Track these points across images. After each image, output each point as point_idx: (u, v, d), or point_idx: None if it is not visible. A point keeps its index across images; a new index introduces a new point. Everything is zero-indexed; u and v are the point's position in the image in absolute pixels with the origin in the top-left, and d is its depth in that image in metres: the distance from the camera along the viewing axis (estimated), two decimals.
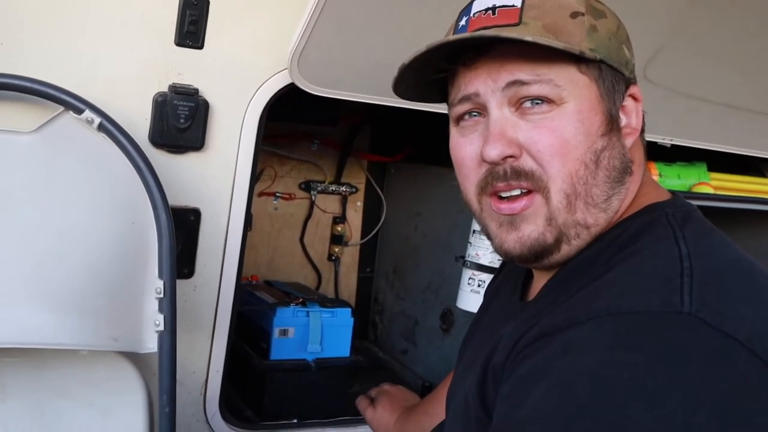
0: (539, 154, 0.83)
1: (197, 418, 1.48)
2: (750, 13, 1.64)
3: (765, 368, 0.69)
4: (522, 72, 0.82)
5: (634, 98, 0.89)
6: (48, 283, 1.13)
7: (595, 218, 0.85)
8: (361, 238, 2.41)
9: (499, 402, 0.78)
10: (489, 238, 0.90)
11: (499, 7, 0.84)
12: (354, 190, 2.38)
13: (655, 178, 2.01)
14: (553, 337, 0.74)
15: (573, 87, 0.83)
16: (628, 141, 0.88)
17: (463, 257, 1.82)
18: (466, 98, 0.86)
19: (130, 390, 1.24)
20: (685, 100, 1.72)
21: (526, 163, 0.83)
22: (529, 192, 0.84)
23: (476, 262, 1.79)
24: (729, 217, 2.38)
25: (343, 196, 2.37)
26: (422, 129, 2.19)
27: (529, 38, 0.78)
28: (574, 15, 0.83)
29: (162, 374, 1.17)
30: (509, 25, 0.82)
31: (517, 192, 0.85)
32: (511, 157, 0.83)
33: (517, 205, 0.84)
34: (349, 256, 2.43)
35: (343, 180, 2.36)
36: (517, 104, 0.83)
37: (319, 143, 2.28)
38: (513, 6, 0.83)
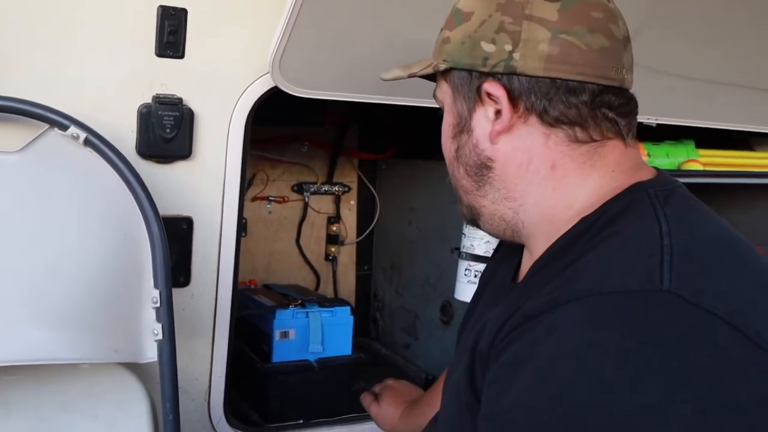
0: None
1: (203, 425, 1.49)
2: None
3: (746, 341, 0.70)
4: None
5: (489, 93, 0.88)
6: (45, 300, 1.14)
7: (479, 202, 0.94)
8: (357, 237, 2.42)
9: (486, 387, 0.79)
10: None
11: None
12: (347, 189, 2.39)
13: (644, 158, 2.02)
14: (536, 320, 0.75)
15: (443, 96, 0.95)
16: (490, 137, 0.89)
17: (458, 249, 1.83)
18: None
19: (133, 400, 1.25)
20: (666, 78, 1.73)
21: None
22: None
23: (471, 252, 1.80)
24: (721, 192, 2.40)
25: (336, 196, 2.38)
26: (410, 124, 2.20)
27: (386, 76, 1.02)
28: (440, 32, 0.95)
29: (164, 382, 1.19)
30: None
31: None
32: None
33: None
34: (346, 255, 2.44)
35: (335, 180, 2.37)
36: None
37: (309, 145, 2.29)
38: (441, 29, 0.96)
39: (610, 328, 0.70)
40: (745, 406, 0.67)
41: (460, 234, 1.82)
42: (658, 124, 1.93)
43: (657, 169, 0.93)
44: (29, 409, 1.21)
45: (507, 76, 0.87)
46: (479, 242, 1.79)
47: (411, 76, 0.97)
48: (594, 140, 0.88)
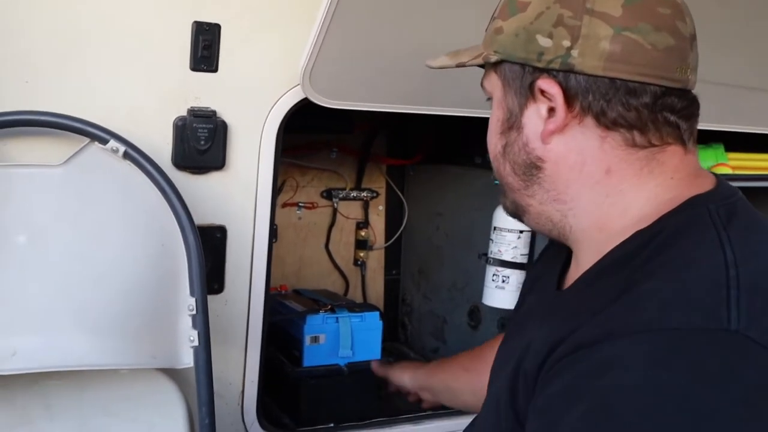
0: None
1: (236, 428, 1.53)
2: None
3: None
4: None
5: (544, 90, 0.85)
6: (88, 309, 1.18)
7: (526, 201, 0.92)
8: (385, 242, 2.45)
9: (531, 415, 0.76)
10: None
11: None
12: (375, 194, 2.42)
13: None
14: (590, 351, 0.72)
15: (492, 88, 0.92)
16: (542, 136, 0.86)
17: (485, 254, 1.85)
18: None
19: (170, 404, 1.29)
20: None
21: None
22: None
23: (499, 258, 1.82)
24: (753, 196, 2.38)
25: (364, 202, 2.41)
26: (438, 130, 2.22)
27: (434, 64, 0.98)
28: (490, 20, 0.92)
29: (200, 387, 1.22)
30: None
31: None
32: None
33: None
34: (375, 260, 2.47)
35: (363, 185, 2.40)
36: None
37: (338, 151, 2.32)
38: (492, 17, 0.93)
39: (671, 369, 0.67)
40: None
41: (487, 239, 1.84)
42: None
43: (716, 175, 0.89)
44: (71, 412, 1.26)
45: (563, 74, 0.83)
46: (507, 248, 1.81)
47: (459, 65, 0.93)
48: (653, 145, 0.83)
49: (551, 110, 0.85)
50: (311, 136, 2.23)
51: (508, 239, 1.79)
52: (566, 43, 0.82)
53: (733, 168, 2.07)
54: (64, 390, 1.26)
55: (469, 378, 1.35)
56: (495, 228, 1.80)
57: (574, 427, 0.69)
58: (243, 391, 1.51)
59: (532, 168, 0.88)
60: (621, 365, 0.69)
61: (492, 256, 1.83)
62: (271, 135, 1.41)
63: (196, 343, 1.22)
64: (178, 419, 1.29)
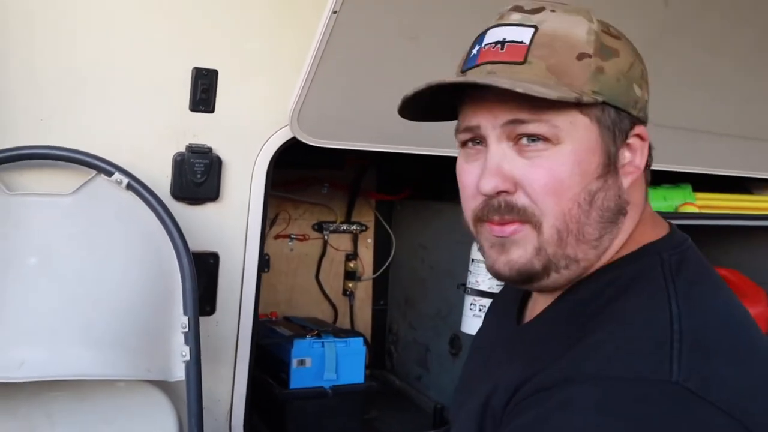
0: (534, 193, 0.84)
1: None
2: (714, 43, 1.78)
3: (743, 431, 0.72)
4: (521, 111, 0.83)
5: (641, 137, 0.88)
6: (90, 323, 1.30)
7: (585, 254, 0.86)
8: (373, 273, 2.56)
9: None
10: (484, 257, 0.91)
11: (509, 42, 0.84)
12: (364, 228, 2.54)
13: None
14: (548, 393, 0.77)
15: (572, 128, 0.83)
16: (628, 180, 0.87)
17: (464, 285, 1.96)
18: (468, 129, 0.88)
19: (162, 416, 1.40)
20: (653, 129, 1.86)
21: (520, 199, 0.84)
22: (521, 221, 0.86)
23: (476, 288, 1.93)
24: (724, 234, 2.50)
25: (354, 234, 2.53)
26: (424, 168, 2.35)
27: (520, 89, 0.79)
28: (581, 57, 0.83)
29: (190, 400, 1.33)
30: (515, 63, 0.83)
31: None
32: (505, 192, 0.85)
33: (507, 229, 0.86)
34: (363, 291, 2.58)
35: (353, 219, 2.52)
36: (516, 140, 0.84)
37: (329, 186, 2.45)
38: (521, 42, 0.84)
39: (613, 415, 0.71)
40: None
41: (466, 270, 1.95)
42: (657, 170, 2.06)
43: (669, 222, 0.94)
44: (71, 423, 1.36)
45: (643, 122, 0.89)
46: (483, 278, 1.92)
47: (561, 99, 0.81)
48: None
49: (633, 156, 0.88)
50: (304, 171, 2.36)
51: (485, 270, 1.90)
52: (646, 96, 0.89)
53: (700, 207, 2.19)
54: (65, 401, 1.37)
55: None
56: (473, 260, 1.91)
57: None
58: (231, 408, 1.62)
59: (620, 214, 0.87)
60: (575, 407, 0.74)
61: (470, 286, 1.94)
62: (261, 170, 1.54)
63: (187, 358, 1.33)
64: (169, 430, 1.40)
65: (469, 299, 1.95)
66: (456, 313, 2.11)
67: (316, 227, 2.46)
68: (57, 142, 1.36)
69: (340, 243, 2.52)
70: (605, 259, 0.88)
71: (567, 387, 0.75)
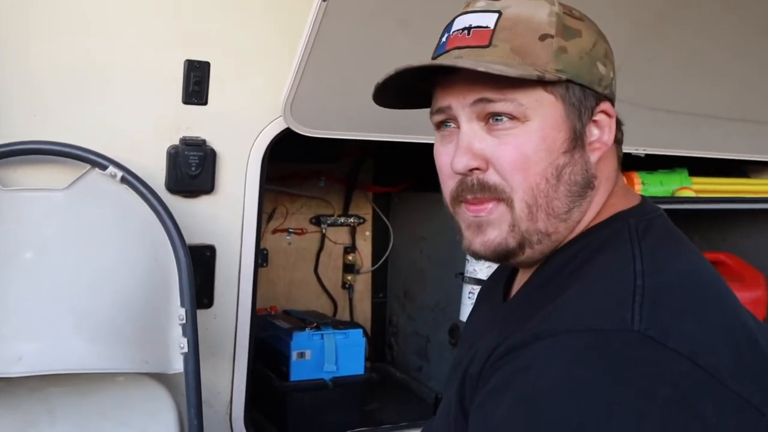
0: (503, 169, 0.87)
1: None
2: (708, 27, 1.78)
3: (707, 377, 0.75)
4: (488, 91, 0.86)
5: (607, 114, 0.91)
6: (87, 317, 1.30)
7: (556, 228, 0.90)
8: (372, 266, 2.56)
9: (472, 411, 0.84)
10: (461, 238, 0.95)
11: (474, 27, 0.89)
12: (362, 220, 2.54)
13: (638, 186, 2.14)
14: (519, 351, 0.80)
15: (538, 105, 0.87)
16: (595, 155, 0.91)
17: (462, 274, 1.97)
18: (441, 110, 0.92)
19: (162, 409, 1.40)
20: (650, 113, 1.86)
21: (491, 176, 0.88)
22: (495, 200, 0.89)
23: (474, 277, 1.93)
24: (723, 218, 2.50)
25: (352, 227, 2.53)
26: (421, 159, 2.35)
27: (481, 68, 0.83)
28: (543, 37, 0.87)
29: (189, 391, 1.33)
30: (480, 47, 0.87)
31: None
32: (477, 169, 0.88)
33: (483, 207, 0.89)
34: (362, 284, 2.58)
35: (350, 212, 2.52)
36: (485, 119, 0.88)
37: (326, 180, 2.45)
38: (486, 27, 0.88)
39: (582, 365, 0.75)
40: None
41: (465, 260, 1.95)
42: (653, 155, 2.06)
43: (642, 195, 0.98)
44: (72, 417, 1.37)
45: (609, 99, 0.92)
46: (481, 267, 1.92)
47: (521, 77, 0.85)
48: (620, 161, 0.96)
49: (601, 132, 0.92)
50: (300, 165, 2.36)
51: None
52: (611, 74, 0.93)
53: (696, 191, 2.19)
54: (65, 396, 1.37)
55: None
56: None
57: (504, 417, 0.77)
58: (231, 401, 1.62)
59: (587, 188, 0.90)
60: (542, 363, 0.77)
61: (468, 275, 1.94)
62: (256, 162, 1.55)
63: (185, 349, 1.33)
64: (169, 423, 1.40)
65: (467, 288, 1.96)
66: (455, 304, 2.11)
67: (313, 221, 2.46)
68: (51, 137, 1.36)
69: (338, 236, 2.52)
70: (578, 230, 0.92)
71: (535, 343, 0.79)
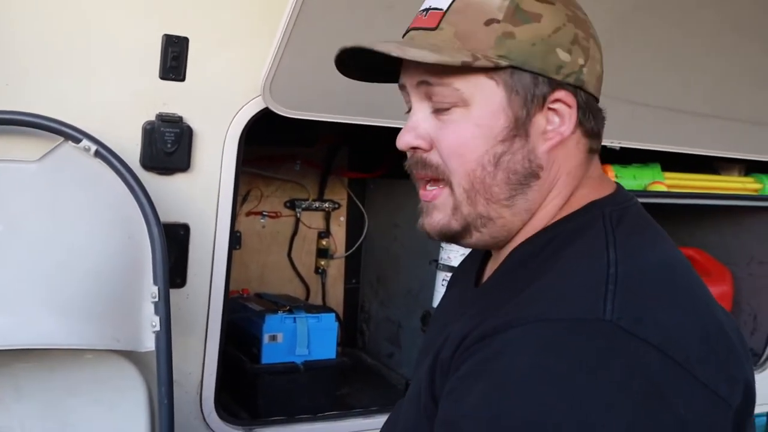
0: (443, 153, 0.89)
1: (195, 416, 1.62)
2: (686, 21, 1.80)
3: (676, 368, 0.75)
4: (428, 74, 0.87)
5: (564, 102, 0.88)
6: (57, 292, 1.28)
7: (498, 213, 0.89)
8: (346, 251, 2.56)
9: (442, 397, 0.84)
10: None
11: (431, 9, 0.89)
12: (337, 206, 2.54)
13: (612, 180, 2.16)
14: (491, 339, 0.80)
15: (477, 91, 0.86)
16: (546, 145, 0.89)
17: (436, 261, 1.97)
18: (401, 87, 0.94)
19: (131, 387, 1.38)
20: (628, 106, 1.88)
21: (434, 157, 0.90)
22: (440, 181, 0.91)
23: (448, 264, 1.94)
24: (692, 214, 2.54)
25: (326, 212, 2.53)
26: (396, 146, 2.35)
27: (395, 53, 0.84)
28: (489, 22, 0.86)
29: (160, 370, 1.32)
30: (429, 29, 0.88)
31: (428, 183, 0.93)
32: (419, 148, 0.90)
33: (429, 193, 0.92)
34: (335, 269, 2.58)
35: (325, 197, 2.52)
36: (432, 102, 0.89)
37: (301, 163, 2.44)
38: (439, 9, 0.88)
39: (553, 354, 0.75)
40: (670, 431, 0.73)
41: (438, 247, 1.96)
42: (627, 149, 2.09)
43: (617, 183, 0.96)
44: (38, 394, 1.35)
45: (574, 88, 0.88)
46: (455, 254, 1.93)
47: (442, 63, 0.84)
48: (595, 152, 0.93)
49: (558, 121, 0.88)
50: (277, 148, 2.34)
51: (456, 246, 1.91)
52: (581, 61, 0.87)
53: (668, 186, 2.22)
54: (33, 372, 1.35)
55: None
56: None
57: (474, 404, 0.77)
58: (202, 381, 1.61)
59: (530, 177, 0.89)
60: (513, 351, 0.77)
61: (442, 262, 1.95)
62: (233, 141, 1.53)
63: (157, 328, 1.32)
64: (138, 401, 1.39)
65: (440, 275, 1.96)
66: (428, 291, 2.12)
67: (288, 205, 2.45)
68: (23, 108, 1.33)
69: (313, 221, 2.51)
70: (544, 218, 0.91)
71: (507, 331, 0.79)
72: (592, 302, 0.77)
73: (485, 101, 0.87)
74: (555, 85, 0.87)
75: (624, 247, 0.84)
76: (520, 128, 0.87)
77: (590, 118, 0.90)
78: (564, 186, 0.92)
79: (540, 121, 0.88)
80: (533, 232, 0.91)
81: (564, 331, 0.76)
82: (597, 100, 0.92)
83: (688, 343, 0.78)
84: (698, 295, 0.86)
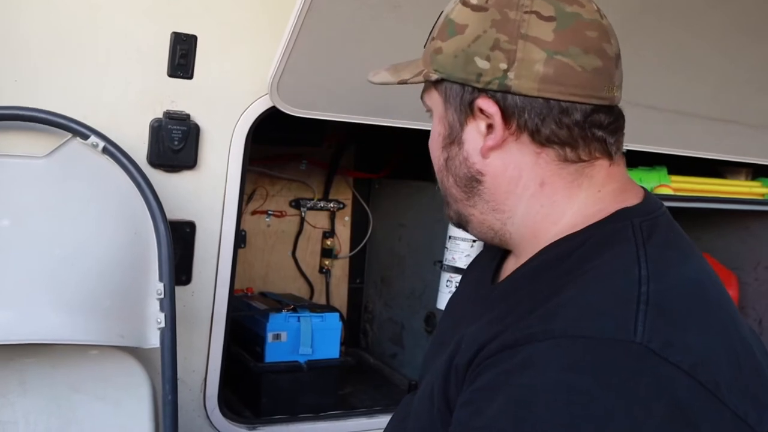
0: None
1: (198, 413, 1.62)
2: (693, 24, 1.80)
3: (705, 394, 0.74)
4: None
5: (483, 110, 0.88)
6: (63, 287, 1.28)
7: (467, 211, 0.95)
8: (350, 251, 2.56)
9: (458, 406, 0.82)
10: None
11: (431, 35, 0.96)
12: (342, 205, 2.53)
13: None
14: (513, 351, 0.78)
15: (432, 102, 0.95)
16: (480, 152, 0.90)
17: (441, 262, 1.97)
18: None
19: (136, 384, 1.38)
20: (634, 109, 1.87)
21: None
22: None
23: (452, 265, 1.94)
24: (698, 217, 2.54)
25: (331, 212, 2.53)
26: (403, 146, 2.35)
27: (374, 79, 0.99)
28: (429, 41, 0.94)
29: (164, 366, 1.32)
30: (425, 47, 0.97)
31: None
32: None
33: None
34: (340, 269, 2.58)
35: (330, 197, 2.52)
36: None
37: (307, 163, 2.44)
38: (431, 36, 0.95)
39: (581, 372, 0.73)
40: None
41: (444, 248, 1.96)
42: (634, 152, 2.08)
43: (644, 189, 0.94)
44: (44, 389, 1.35)
45: (501, 94, 0.87)
46: (460, 255, 1.93)
47: (401, 82, 0.95)
48: (582, 160, 0.88)
49: (490, 127, 0.88)
50: (283, 147, 2.35)
51: (462, 247, 1.91)
52: (503, 65, 0.86)
53: (675, 190, 2.21)
54: (39, 368, 1.35)
55: None
56: (450, 236, 1.92)
57: (494, 417, 0.75)
58: (206, 379, 1.61)
59: (473, 181, 0.92)
60: (537, 366, 0.75)
61: (446, 263, 1.94)
62: (240, 139, 1.53)
63: (162, 324, 1.32)
64: (143, 398, 1.39)
65: (445, 276, 1.96)
66: (431, 291, 2.12)
67: (293, 204, 2.45)
68: (32, 104, 1.33)
69: (318, 220, 2.52)
70: (566, 226, 0.89)
71: (530, 345, 0.77)
72: (623, 322, 0.76)
73: (436, 111, 0.95)
74: (478, 92, 0.89)
75: (656, 262, 0.82)
76: (455, 135, 0.93)
77: (543, 122, 0.87)
78: (548, 198, 0.90)
79: (472, 128, 0.91)
80: (559, 237, 0.89)
81: (593, 350, 0.74)
82: (560, 101, 0.86)
83: (719, 368, 0.77)
84: (728, 314, 0.84)
